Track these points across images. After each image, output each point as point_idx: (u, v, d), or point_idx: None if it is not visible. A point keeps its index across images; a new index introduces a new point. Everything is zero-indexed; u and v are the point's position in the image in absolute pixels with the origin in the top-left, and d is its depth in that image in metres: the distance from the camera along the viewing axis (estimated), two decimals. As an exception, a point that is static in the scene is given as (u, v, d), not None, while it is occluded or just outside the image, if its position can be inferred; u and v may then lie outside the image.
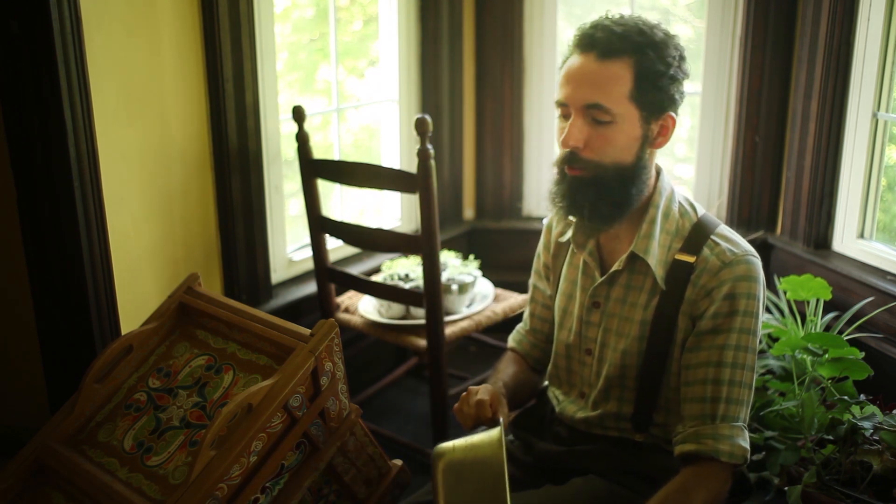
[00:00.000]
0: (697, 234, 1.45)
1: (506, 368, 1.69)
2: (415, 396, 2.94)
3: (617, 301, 1.50)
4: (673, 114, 1.43)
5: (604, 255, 1.55)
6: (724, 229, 1.46)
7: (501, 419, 1.36)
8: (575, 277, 1.59)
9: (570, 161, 1.42)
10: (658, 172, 1.50)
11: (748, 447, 1.39)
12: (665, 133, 1.44)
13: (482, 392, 1.44)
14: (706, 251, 1.42)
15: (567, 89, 1.41)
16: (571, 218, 1.50)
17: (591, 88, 1.38)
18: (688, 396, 1.42)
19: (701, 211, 1.50)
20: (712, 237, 1.44)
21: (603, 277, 1.52)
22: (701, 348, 1.41)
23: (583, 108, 1.39)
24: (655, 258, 1.45)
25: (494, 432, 1.32)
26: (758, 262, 1.43)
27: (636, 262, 1.48)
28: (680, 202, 1.50)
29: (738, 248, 1.42)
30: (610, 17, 1.42)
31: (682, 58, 1.42)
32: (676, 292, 1.43)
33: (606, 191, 1.41)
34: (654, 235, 1.46)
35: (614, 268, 1.49)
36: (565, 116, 1.43)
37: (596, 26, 1.40)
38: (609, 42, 1.37)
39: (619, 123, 1.39)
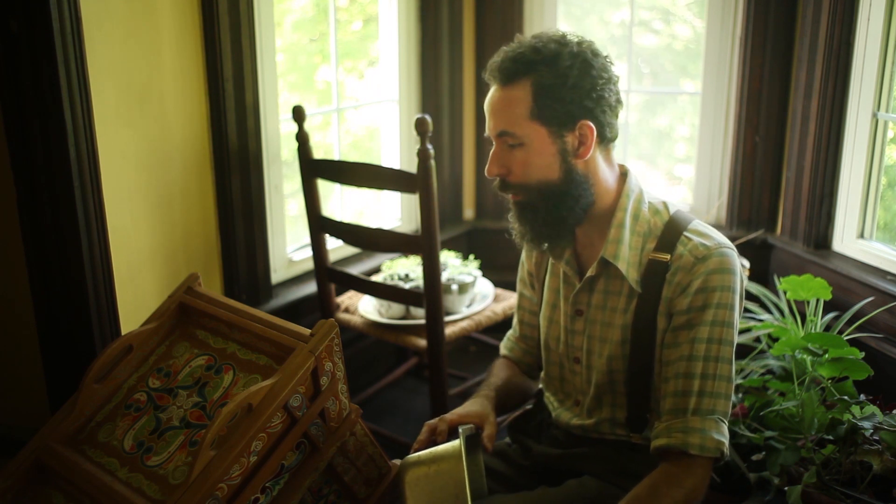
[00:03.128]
0: (670, 232, 1.44)
1: (499, 373, 1.69)
2: (415, 396, 2.94)
3: (598, 307, 1.50)
4: (589, 122, 1.40)
5: (581, 263, 1.55)
6: (698, 224, 1.46)
7: (460, 430, 1.37)
8: (557, 286, 1.59)
9: (503, 188, 1.47)
10: (624, 174, 1.50)
11: (723, 440, 1.37)
12: (586, 142, 1.41)
13: (470, 405, 1.51)
14: (680, 248, 1.42)
15: (487, 122, 1.46)
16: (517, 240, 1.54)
17: (497, 117, 1.42)
18: (664, 392, 1.42)
19: (673, 208, 1.49)
20: (685, 233, 1.43)
21: (580, 284, 1.52)
22: (675, 344, 1.41)
23: (497, 136, 1.43)
24: (626, 262, 1.45)
25: (456, 444, 1.35)
26: (733, 253, 1.42)
27: (610, 267, 1.48)
28: (650, 202, 1.49)
29: (711, 242, 1.42)
30: (514, 42, 1.44)
31: (584, 64, 1.39)
32: (654, 292, 1.43)
33: (534, 212, 1.45)
34: (623, 239, 1.45)
35: (588, 274, 1.50)
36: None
37: (498, 55, 1.43)
38: (506, 69, 1.41)
39: (529, 144, 1.41)
